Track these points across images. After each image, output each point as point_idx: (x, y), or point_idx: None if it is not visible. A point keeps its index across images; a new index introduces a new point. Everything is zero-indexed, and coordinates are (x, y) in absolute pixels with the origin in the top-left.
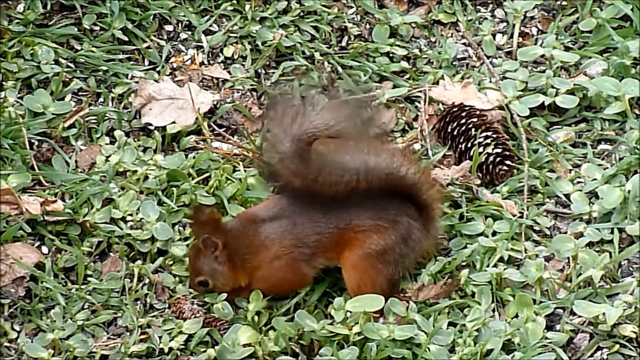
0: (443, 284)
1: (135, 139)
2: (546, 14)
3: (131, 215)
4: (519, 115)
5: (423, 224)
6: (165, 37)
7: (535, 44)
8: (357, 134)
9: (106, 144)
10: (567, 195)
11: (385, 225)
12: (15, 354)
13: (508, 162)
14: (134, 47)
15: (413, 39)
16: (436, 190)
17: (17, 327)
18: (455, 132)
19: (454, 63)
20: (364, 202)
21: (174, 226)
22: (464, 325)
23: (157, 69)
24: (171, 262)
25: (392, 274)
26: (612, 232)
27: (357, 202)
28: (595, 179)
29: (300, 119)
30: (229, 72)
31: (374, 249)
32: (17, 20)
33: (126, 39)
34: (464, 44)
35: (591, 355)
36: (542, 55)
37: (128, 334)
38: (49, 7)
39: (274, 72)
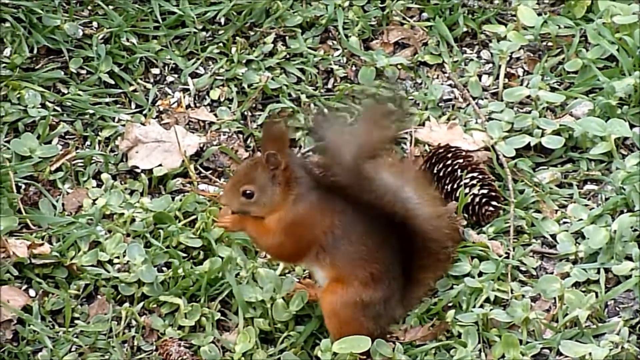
0: (430, 325)
1: (122, 182)
2: (532, 55)
3: (118, 258)
4: (504, 156)
5: (403, 295)
6: (151, 80)
7: (521, 84)
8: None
9: (93, 187)
10: (554, 236)
11: (380, 276)
12: None
13: (494, 203)
14: (121, 91)
15: (399, 80)
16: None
17: None
18: (441, 173)
19: (439, 104)
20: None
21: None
22: None
23: (144, 112)
24: (156, 305)
25: (373, 330)
26: (598, 272)
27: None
28: (581, 219)
29: (347, 140)
30: (215, 115)
31: (360, 298)
32: (4, 65)
33: (113, 82)
34: (449, 85)
35: None
36: (528, 96)
37: None
38: (35, 51)
39: (260, 115)
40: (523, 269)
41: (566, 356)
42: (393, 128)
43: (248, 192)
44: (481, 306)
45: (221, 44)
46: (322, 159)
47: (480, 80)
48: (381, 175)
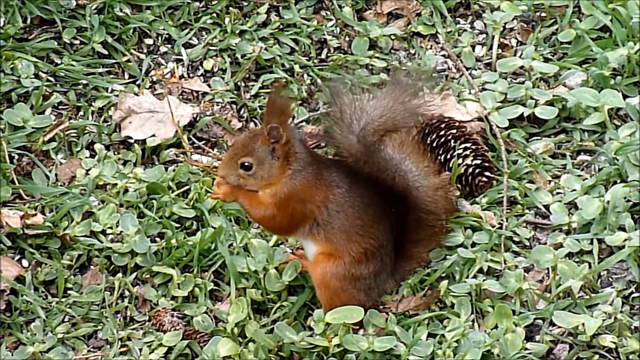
0: (422, 295)
1: (115, 152)
2: (525, 26)
3: (111, 228)
4: (498, 127)
5: (394, 268)
6: (145, 51)
7: (515, 55)
8: (409, 118)
9: (86, 157)
10: (547, 206)
11: (374, 252)
12: None
13: (487, 174)
14: (114, 61)
15: (392, 51)
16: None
17: None
18: (434, 144)
19: (433, 75)
20: (382, 221)
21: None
22: (444, 336)
23: (137, 83)
24: (150, 275)
25: (364, 302)
26: (591, 243)
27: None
28: (574, 190)
29: (358, 114)
30: (209, 85)
31: (350, 272)
32: None
33: (106, 52)
34: (443, 55)
35: None
36: (522, 67)
37: (108, 346)
38: (28, 21)
39: (253, 85)
40: (516, 239)
41: (559, 327)
42: (417, 103)
43: (246, 164)
44: (474, 277)
45: (215, 15)
46: (328, 127)
47: (473, 50)
48: (385, 147)
